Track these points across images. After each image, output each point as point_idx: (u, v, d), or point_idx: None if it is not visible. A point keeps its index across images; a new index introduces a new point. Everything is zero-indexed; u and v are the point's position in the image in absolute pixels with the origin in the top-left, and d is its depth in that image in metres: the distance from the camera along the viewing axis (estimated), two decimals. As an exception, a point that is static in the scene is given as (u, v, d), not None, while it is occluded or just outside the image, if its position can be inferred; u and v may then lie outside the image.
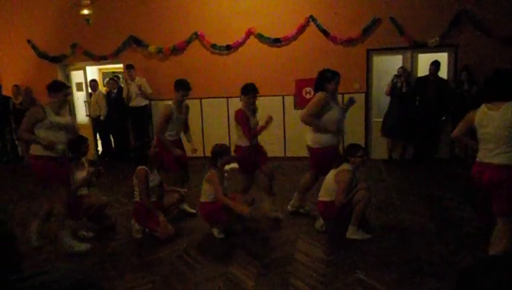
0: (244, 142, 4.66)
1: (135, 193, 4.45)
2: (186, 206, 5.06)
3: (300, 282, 3.36)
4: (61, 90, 4.19)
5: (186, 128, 5.34)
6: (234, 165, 4.84)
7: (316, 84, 4.57)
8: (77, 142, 4.56)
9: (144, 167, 4.37)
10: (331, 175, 4.27)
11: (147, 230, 4.49)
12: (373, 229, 4.32)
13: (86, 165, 4.71)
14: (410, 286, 3.23)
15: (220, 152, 4.41)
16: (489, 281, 0.71)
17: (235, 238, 4.35)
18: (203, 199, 4.39)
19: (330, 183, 4.23)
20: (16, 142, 9.32)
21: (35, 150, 4.04)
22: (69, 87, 4.87)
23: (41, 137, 3.96)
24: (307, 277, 3.44)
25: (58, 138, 4.05)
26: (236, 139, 4.77)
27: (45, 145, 3.95)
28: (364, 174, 6.27)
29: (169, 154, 4.92)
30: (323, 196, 4.28)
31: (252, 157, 4.69)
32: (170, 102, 5.02)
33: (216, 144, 4.54)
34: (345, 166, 4.21)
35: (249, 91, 4.68)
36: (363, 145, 7.68)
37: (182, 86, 4.97)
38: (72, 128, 4.33)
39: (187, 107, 5.26)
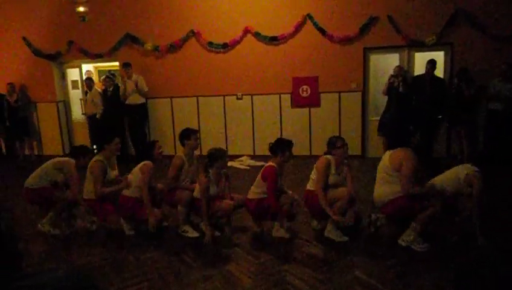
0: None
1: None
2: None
3: (298, 280, 3.36)
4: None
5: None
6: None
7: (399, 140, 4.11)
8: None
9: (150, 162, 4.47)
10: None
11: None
12: (369, 227, 4.33)
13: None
14: (408, 282, 3.25)
15: (216, 156, 4.28)
16: (484, 278, 0.73)
17: (232, 237, 4.35)
18: (195, 194, 4.38)
19: (312, 174, 4.30)
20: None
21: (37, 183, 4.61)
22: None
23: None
24: (304, 275, 3.44)
25: None
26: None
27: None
28: (360, 172, 6.29)
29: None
30: (309, 185, 4.34)
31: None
32: (181, 153, 4.63)
33: (213, 148, 4.39)
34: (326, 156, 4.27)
35: None
36: (360, 144, 7.74)
37: (192, 132, 4.65)
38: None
39: (197, 160, 4.82)
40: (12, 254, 1.18)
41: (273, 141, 4.35)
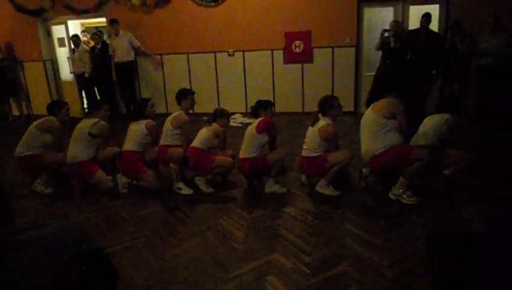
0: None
1: (126, 141, 4.55)
2: None
3: (290, 234, 3.42)
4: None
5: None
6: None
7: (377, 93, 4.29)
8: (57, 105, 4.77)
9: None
10: (312, 132, 4.21)
11: (134, 182, 4.59)
12: (359, 182, 4.38)
13: None
14: (398, 234, 3.32)
15: (219, 113, 4.60)
16: (453, 244, 0.75)
17: (225, 193, 4.40)
18: (194, 143, 4.44)
19: (313, 139, 4.17)
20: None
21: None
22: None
23: None
24: (296, 229, 3.50)
25: None
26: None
27: None
28: (352, 129, 6.28)
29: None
30: (307, 152, 4.23)
31: None
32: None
33: (218, 108, 4.88)
34: (325, 121, 4.15)
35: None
36: (353, 100, 7.69)
37: (189, 91, 4.80)
38: None
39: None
40: (4, 209, 1.17)
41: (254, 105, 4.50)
